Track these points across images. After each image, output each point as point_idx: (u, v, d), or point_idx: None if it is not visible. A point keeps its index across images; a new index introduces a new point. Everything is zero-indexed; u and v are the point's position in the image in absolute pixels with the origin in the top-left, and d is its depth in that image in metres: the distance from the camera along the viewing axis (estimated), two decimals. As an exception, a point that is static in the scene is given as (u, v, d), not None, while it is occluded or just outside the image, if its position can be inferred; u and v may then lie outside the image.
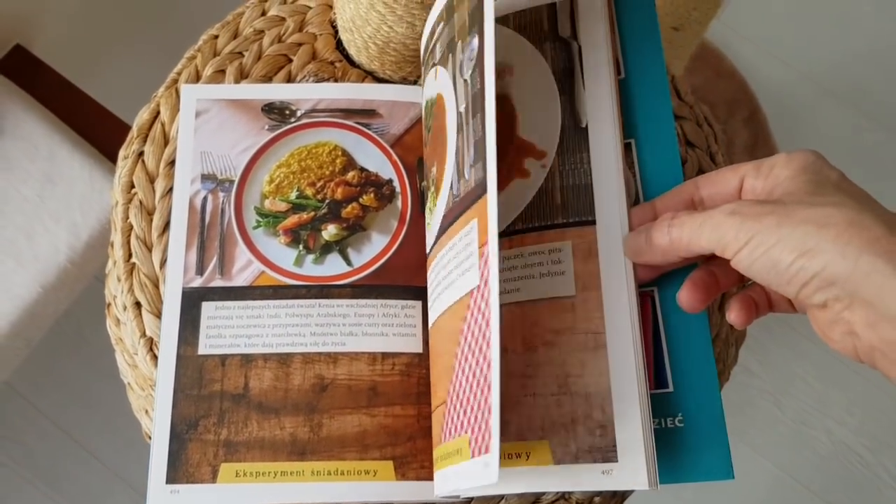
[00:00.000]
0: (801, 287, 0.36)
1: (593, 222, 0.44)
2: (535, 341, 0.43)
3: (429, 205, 0.48)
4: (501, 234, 0.45)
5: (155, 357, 0.51)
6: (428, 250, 0.48)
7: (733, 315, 0.42)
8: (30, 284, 0.76)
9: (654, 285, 0.45)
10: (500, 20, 0.50)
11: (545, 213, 0.45)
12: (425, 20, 0.53)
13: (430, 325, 0.47)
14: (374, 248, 0.51)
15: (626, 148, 0.47)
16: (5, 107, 0.82)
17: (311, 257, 0.51)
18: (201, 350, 0.48)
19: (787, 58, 1.35)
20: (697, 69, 1.30)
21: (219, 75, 0.57)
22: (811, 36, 1.35)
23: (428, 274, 0.47)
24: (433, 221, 0.46)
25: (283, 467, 0.46)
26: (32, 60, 0.90)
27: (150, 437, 0.60)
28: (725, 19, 1.02)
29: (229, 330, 0.49)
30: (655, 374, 0.44)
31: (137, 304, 0.52)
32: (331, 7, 0.60)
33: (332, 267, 0.51)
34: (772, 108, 1.30)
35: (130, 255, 0.53)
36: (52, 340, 1.11)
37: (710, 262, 0.43)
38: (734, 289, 0.44)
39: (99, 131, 0.85)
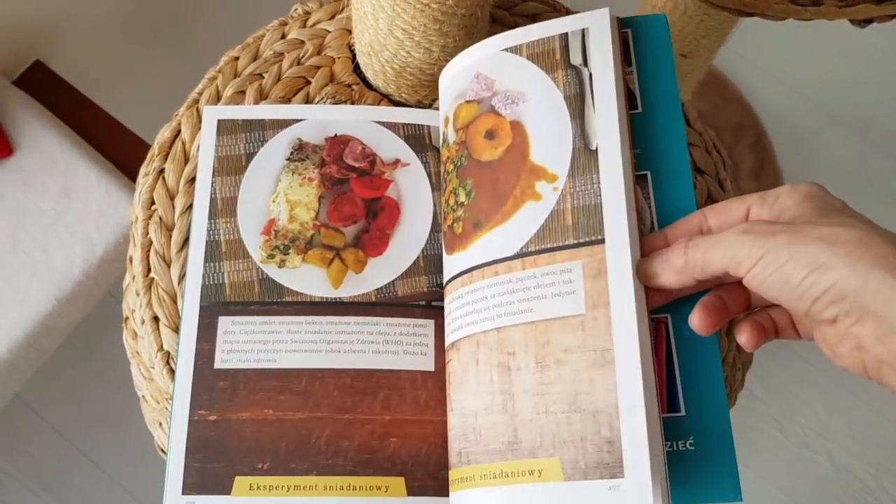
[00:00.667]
0: (813, 302, 0.37)
1: (603, 241, 0.45)
2: (548, 359, 0.44)
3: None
4: (513, 257, 0.47)
5: (171, 371, 0.52)
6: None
7: (744, 337, 0.43)
8: (45, 296, 0.77)
9: (668, 312, 0.46)
10: (513, 50, 0.51)
11: (557, 234, 0.46)
12: (442, 46, 0.54)
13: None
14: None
15: (643, 179, 0.49)
16: (24, 121, 0.83)
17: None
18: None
19: (793, 84, 1.36)
20: (704, 94, 1.31)
21: (239, 96, 0.59)
22: (817, 62, 1.37)
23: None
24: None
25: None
26: (51, 76, 0.92)
27: (162, 451, 0.61)
28: (732, 45, 1.03)
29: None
30: (668, 398, 0.45)
31: (155, 319, 0.53)
32: (349, 31, 0.61)
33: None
34: (777, 133, 1.31)
35: (149, 270, 0.54)
36: (60, 352, 1.12)
37: (719, 289, 0.44)
38: (741, 315, 0.46)
39: (115, 147, 0.86)
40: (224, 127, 0.55)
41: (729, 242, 0.40)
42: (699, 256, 0.41)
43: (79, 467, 1.15)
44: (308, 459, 0.47)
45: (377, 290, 0.52)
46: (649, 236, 0.46)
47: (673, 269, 0.43)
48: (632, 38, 0.52)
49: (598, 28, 0.49)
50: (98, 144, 0.86)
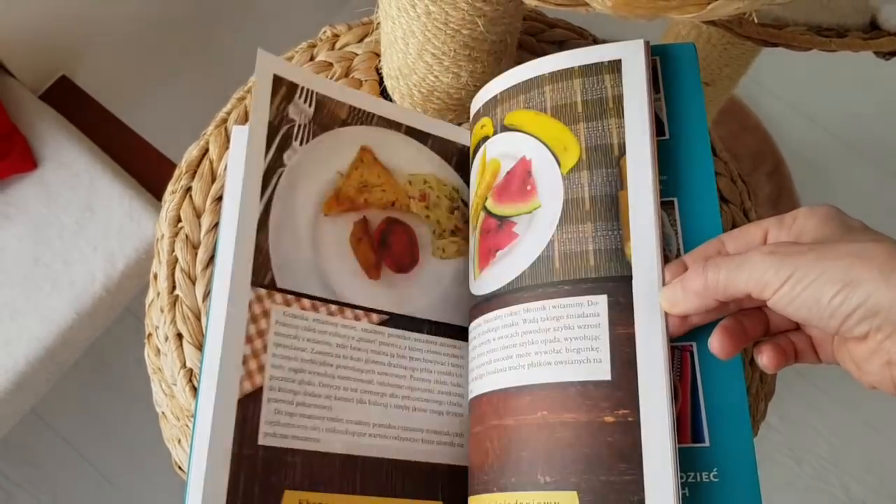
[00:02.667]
0: (844, 319, 0.37)
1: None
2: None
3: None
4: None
5: (194, 388, 0.52)
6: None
7: (765, 358, 0.42)
8: (65, 310, 0.78)
9: (693, 340, 0.46)
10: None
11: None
12: (471, 71, 0.54)
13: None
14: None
15: (669, 206, 0.48)
16: (49, 135, 0.84)
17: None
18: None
19: (812, 113, 1.36)
20: (723, 122, 1.31)
21: (266, 116, 0.59)
22: (836, 92, 1.37)
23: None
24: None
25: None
26: (77, 92, 0.93)
27: (179, 467, 0.60)
28: (751, 74, 1.04)
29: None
30: (693, 428, 0.44)
31: (179, 336, 0.53)
32: (377, 55, 0.62)
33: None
34: (796, 163, 1.31)
35: (174, 287, 0.55)
36: (74, 366, 1.13)
37: (738, 313, 0.44)
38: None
39: (139, 163, 0.87)
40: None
41: (753, 263, 0.39)
42: (721, 278, 0.41)
43: (89, 480, 1.15)
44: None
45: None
46: (669, 265, 0.45)
47: (693, 292, 0.42)
48: (660, 64, 0.52)
49: (632, 60, 0.49)
50: (121, 160, 0.87)
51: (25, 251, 0.79)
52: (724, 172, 0.59)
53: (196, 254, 0.55)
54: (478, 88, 0.56)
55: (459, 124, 0.60)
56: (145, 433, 1.15)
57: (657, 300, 0.44)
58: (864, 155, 1.34)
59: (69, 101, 0.91)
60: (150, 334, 0.57)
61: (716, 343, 0.42)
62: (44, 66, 0.92)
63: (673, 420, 0.42)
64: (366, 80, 0.61)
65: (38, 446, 1.16)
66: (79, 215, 0.81)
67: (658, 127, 0.50)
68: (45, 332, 0.77)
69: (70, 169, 0.83)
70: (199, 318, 0.54)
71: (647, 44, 0.50)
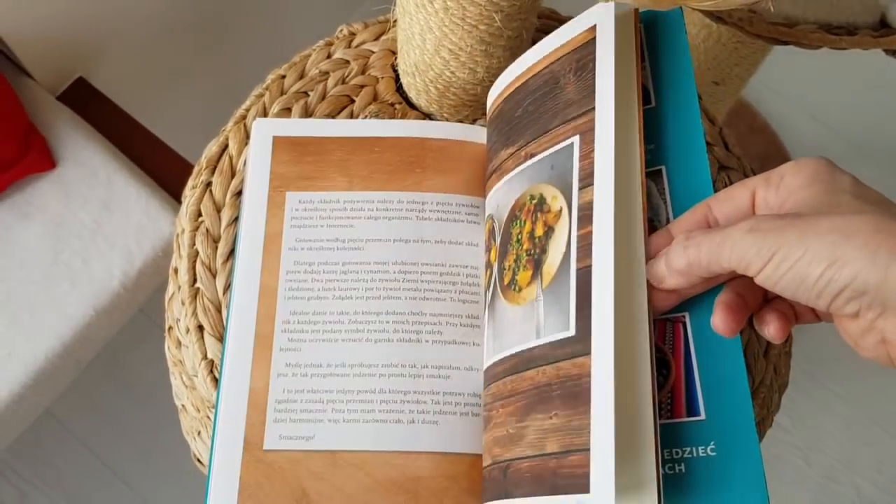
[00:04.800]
0: (833, 299, 0.35)
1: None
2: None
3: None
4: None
5: (215, 379, 0.53)
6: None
7: (772, 328, 0.41)
8: (84, 307, 0.79)
9: (686, 311, 0.45)
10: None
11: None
12: (487, 66, 0.55)
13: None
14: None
15: (657, 175, 0.47)
16: (67, 135, 0.85)
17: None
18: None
19: (820, 115, 1.37)
20: (731, 123, 1.32)
21: (285, 113, 0.60)
22: (845, 94, 1.37)
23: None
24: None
25: None
26: (94, 93, 0.94)
27: (198, 460, 0.61)
28: (759, 75, 1.04)
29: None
30: (688, 401, 0.43)
31: (200, 328, 0.54)
32: (393, 52, 0.63)
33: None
34: (804, 163, 1.31)
35: (195, 280, 0.56)
36: (87, 365, 1.14)
37: (734, 283, 0.42)
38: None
39: (155, 162, 0.88)
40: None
41: (734, 241, 0.38)
42: (703, 256, 0.39)
43: (103, 480, 1.16)
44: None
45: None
46: (653, 236, 0.44)
47: (677, 271, 0.41)
48: (644, 31, 0.50)
49: (604, 25, 0.47)
50: (137, 159, 0.88)
51: (45, 249, 0.80)
52: (737, 167, 0.60)
53: (217, 247, 0.56)
54: (493, 84, 0.57)
55: (474, 120, 0.61)
56: (158, 432, 1.16)
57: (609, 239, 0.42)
58: (871, 155, 1.35)
59: (86, 101, 0.92)
60: (170, 327, 0.58)
61: (719, 322, 0.41)
62: (61, 67, 0.93)
63: (611, 357, 0.40)
64: (382, 77, 0.62)
65: (51, 445, 1.17)
66: (97, 214, 0.82)
67: (644, 95, 0.49)
68: (65, 329, 0.78)
69: (88, 168, 0.84)
70: (219, 311, 0.54)
71: (636, 11, 0.49)
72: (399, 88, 0.62)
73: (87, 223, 0.81)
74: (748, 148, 1.32)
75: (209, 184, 0.58)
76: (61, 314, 0.78)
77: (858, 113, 1.37)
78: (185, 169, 0.88)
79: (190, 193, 0.59)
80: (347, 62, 0.62)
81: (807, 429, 1.21)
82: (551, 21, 0.64)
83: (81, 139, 0.85)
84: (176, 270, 0.58)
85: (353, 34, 0.64)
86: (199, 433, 0.59)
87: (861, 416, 1.22)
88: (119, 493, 1.16)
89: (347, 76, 0.62)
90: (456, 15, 0.50)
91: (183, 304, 0.55)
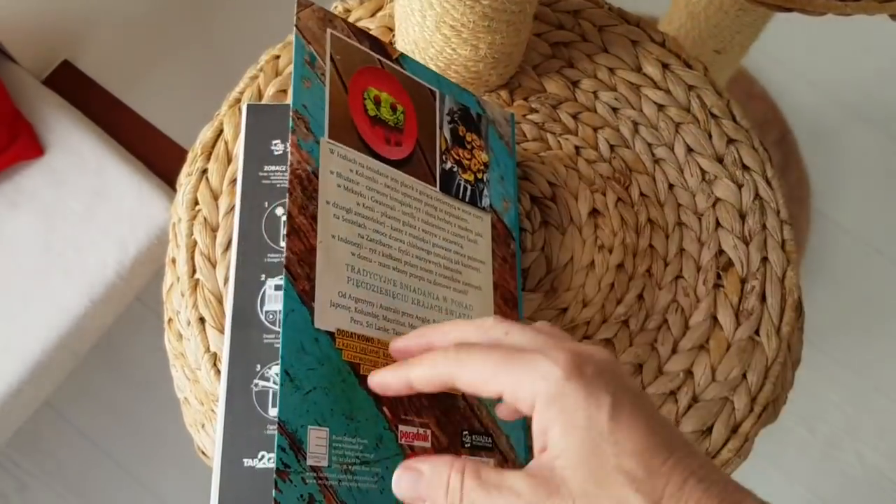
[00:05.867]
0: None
1: None
2: None
3: None
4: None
5: (218, 372, 0.52)
6: None
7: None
8: (78, 297, 0.77)
9: None
10: None
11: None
12: (489, 43, 0.53)
13: None
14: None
15: None
16: (54, 120, 0.83)
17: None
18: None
19: (818, 81, 1.35)
20: (729, 91, 1.30)
21: (281, 95, 0.58)
22: (841, 59, 1.36)
23: None
24: None
25: None
26: (79, 76, 0.91)
27: (202, 452, 0.60)
28: (757, 43, 1.03)
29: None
30: None
31: (202, 320, 0.53)
32: (390, 29, 0.61)
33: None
34: (801, 130, 1.30)
35: (195, 271, 0.54)
36: (85, 355, 1.12)
37: None
38: None
39: (145, 147, 0.86)
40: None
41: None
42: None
43: (103, 470, 1.15)
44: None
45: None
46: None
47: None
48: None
49: None
50: (128, 144, 0.86)
51: (36, 239, 0.78)
52: (745, 140, 0.58)
53: (215, 237, 0.54)
54: (496, 61, 0.56)
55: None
56: (158, 421, 1.15)
57: None
58: (869, 120, 1.34)
59: (73, 85, 0.90)
60: (170, 319, 0.56)
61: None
62: (46, 50, 0.91)
63: None
64: (379, 56, 0.60)
65: (50, 436, 1.16)
66: (88, 201, 0.80)
67: None
68: (60, 321, 0.76)
69: (77, 154, 0.82)
70: (220, 302, 0.53)
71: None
72: (397, 67, 0.60)
73: (79, 211, 0.79)
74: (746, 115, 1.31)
75: (205, 171, 0.56)
76: (56, 306, 0.76)
77: (855, 78, 1.35)
78: (177, 153, 0.86)
79: (185, 181, 0.57)
80: (343, 41, 0.60)
81: (809, 397, 1.21)
82: (553, -7, 0.62)
83: (69, 124, 0.83)
84: (174, 261, 0.57)
85: (348, 11, 0.62)
86: (202, 426, 0.58)
87: (863, 383, 1.22)
88: (120, 482, 1.15)
89: (344, 55, 0.60)
90: (458, -11, 0.48)
91: (183, 295, 0.54)
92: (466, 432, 0.44)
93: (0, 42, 0.85)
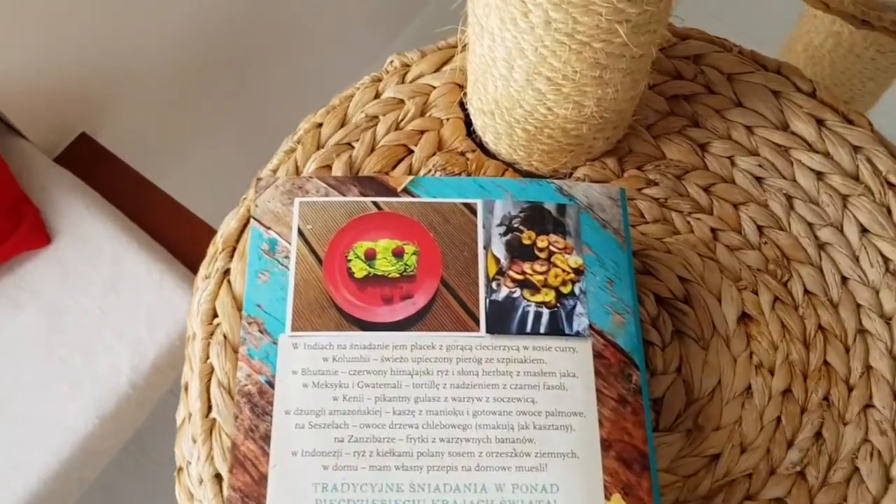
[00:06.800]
0: None
1: None
2: None
3: None
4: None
5: (241, 550, 0.38)
6: None
7: None
8: (85, 414, 0.66)
9: None
10: None
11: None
12: (598, 99, 0.40)
13: None
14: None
15: None
16: (66, 204, 0.73)
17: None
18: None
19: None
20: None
21: (324, 171, 0.46)
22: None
23: None
24: None
25: None
26: (98, 151, 0.81)
27: None
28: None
29: None
30: None
31: (218, 477, 0.39)
32: (461, 86, 0.48)
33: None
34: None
35: (210, 409, 0.41)
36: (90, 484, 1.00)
37: None
38: None
39: (173, 232, 0.76)
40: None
41: None
42: None
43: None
44: None
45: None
46: None
47: None
48: None
49: None
50: (151, 228, 0.76)
51: (37, 344, 0.67)
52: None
53: (237, 360, 0.41)
54: (605, 121, 0.42)
55: (572, 171, 0.46)
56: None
57: None
58: None
59: (89, 162, 0.80)
60: (180, 468, 0.43)
61: None
62: (60, 123, 0.81)
63: None
64: (447, 119, 0.48)
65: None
66: (101, 298, 0.69)
67: None
68: (62, 443, 0.64)
69: (90, 242, 0.71)
70: (244, 451, 0.39)
71: None
72: (471, 132, 0.47)
73: (90, 310, 0.68)
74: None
75: (227, 272, 0.44)
76: (59, 425, 0.65)
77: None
78: (208, 236, 0.75)
79: (202, 286, 0.44)
80: (402, 102, 0.48)
81: None
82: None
83: (83, 208, 0.73)
84: (186, 388, 0.44)
85: (406, 66, 0.50)
86: None
87: None
88: None
89: (402, 120, 0.48)
90: (561, 30, 0.36)
91: (195, 441, 0.41)
92: None
93: (6, 116, 0.75)
